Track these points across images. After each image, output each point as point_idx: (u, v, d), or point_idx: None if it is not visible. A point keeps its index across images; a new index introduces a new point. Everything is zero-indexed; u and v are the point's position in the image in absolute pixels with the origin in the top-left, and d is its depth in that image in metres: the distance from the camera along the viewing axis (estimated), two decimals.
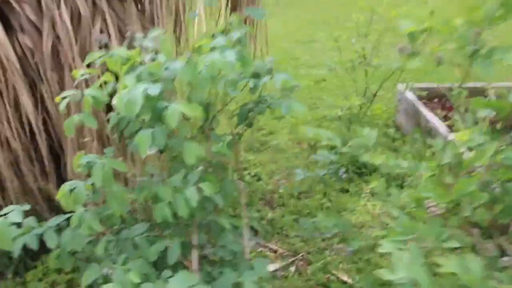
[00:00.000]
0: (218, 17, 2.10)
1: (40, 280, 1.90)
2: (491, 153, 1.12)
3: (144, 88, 0.83)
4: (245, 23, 2.05)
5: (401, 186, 2.50)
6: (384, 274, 0.81)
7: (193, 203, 0.90)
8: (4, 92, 1.52)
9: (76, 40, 1.54)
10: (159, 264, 0.91)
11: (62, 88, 1.56)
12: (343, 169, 2.73)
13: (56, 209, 1.36)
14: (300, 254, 2.09)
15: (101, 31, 1.55)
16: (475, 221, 1.09)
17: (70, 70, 1.51)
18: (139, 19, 1.70)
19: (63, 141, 1.67)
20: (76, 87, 1.20)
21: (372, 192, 2.59)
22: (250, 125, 1.11)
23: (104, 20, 1.57)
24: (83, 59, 1.36)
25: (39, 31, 1.57)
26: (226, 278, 0.84)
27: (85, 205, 0.98)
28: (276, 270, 1.97)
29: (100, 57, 0.98)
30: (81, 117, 1.00)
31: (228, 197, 0.99)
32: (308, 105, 3.74)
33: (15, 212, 0.96)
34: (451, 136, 2.69)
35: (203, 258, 1.02)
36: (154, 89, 0.84)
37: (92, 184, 0.96)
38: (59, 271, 1.90)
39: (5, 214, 0.95)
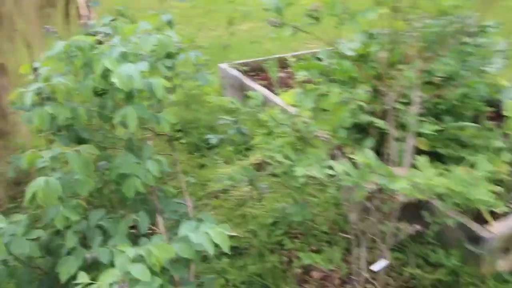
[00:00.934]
0: None
1: None
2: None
3: (134, 65, 0.83)
4: None
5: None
6: None
7: (155, 173, 0.96)
8: None
9: None
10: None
11: None
12: None
13: None
14: None
15: None
16: None
17: None
18: None
19: None
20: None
21: (225, 161, 2.89)
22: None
23: None
24: None
25: None
26: (186, 228, 0.93)
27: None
28: None
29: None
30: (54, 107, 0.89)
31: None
32: None
33: None
34: (276, 100, 3.23)
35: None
36: (144, 66, 0.87)
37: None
38: None
39: None
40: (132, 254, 0.78)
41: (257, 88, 3.20)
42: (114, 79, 0.86)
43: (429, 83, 1.76)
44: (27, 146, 1.66)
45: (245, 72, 3.73)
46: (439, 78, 1.71)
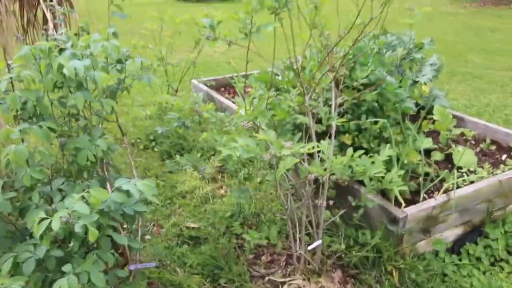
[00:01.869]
0: None
1: None
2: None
3: (80, 62, 1.11)
4: None
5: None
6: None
7: (103, 148, 1.23)
8: None
9: None
10: None
11: None
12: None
13: None
14: (152, 223, 2.47)
15: None
16: None
17: None
18: None
19: None
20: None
21: (193, 165, 3.16)
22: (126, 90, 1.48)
23: None
24: None
25: None
26: (120, 181, 1.19)
27: None
28: None
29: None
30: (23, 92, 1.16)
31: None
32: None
33: None
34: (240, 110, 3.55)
35: None
36: (87, 62, 1.16)
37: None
38: None
39: None
40: (77, 196, 1.05)
41: (223, 100, 3.52)
42: (65, 70, 1.14)
43: (353, 88, 2.09)
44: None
45: (215, 87, 4.06)
46: (359, 84, 2.03)
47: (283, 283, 1.96)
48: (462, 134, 2.96)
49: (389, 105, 2.13)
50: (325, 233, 2.14)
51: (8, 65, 1.28)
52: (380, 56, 2.13)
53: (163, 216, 2.55)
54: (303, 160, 1.83)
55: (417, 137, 2.14)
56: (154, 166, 3.14)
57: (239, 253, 2.17)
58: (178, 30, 3.41)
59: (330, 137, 1.84)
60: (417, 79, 2.94)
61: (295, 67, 1.94)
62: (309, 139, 1.88)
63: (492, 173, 2.42)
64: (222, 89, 4.16)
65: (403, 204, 1.97)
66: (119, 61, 1.38)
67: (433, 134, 2.88)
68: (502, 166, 2.53)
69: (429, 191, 2.25)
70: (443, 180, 2.26)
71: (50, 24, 1.65)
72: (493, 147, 2.80)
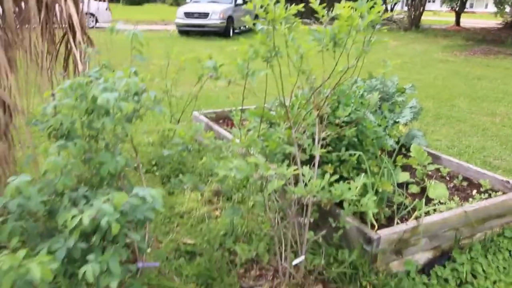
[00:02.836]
0: None
1: None
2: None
3: (111, 94, 1.42)
4: None
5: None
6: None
7: (122, 163, 1.51)
8: None
9: None
10: None
11: None
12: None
13: None
14: (152, 238, 2.70)
15: None
16: None
17: None
18: None
19: None
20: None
21: (191, 189, 3.42)
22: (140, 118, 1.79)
23: None
24: None
25: None
26: (136, 189, 1.46)
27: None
28: None
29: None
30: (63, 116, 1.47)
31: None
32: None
33: None
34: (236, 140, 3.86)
35: None
36: (115, 95, 1.46)
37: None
38: None
39: None
40: (103, 199, 1.31)
41: (221, 131, 3.83)
42: (99, 100, 1.44)
43: (336, 124, 2.41)
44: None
45: (214, 119, 4.39)
46: (342, 121, 2.35)
47: None
48: (438, 170, 3.27)
49: (368, 141, 2.44)
50: (308, 251, 2.38)
51: (53, 94, 1.58)
52: (360, 98, 2.46)
53: (162, 233, 2.78)
54: (289, 183, 2.11)
55: (391, 169, 2.43)
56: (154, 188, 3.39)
57: (230, 267, 2.40)
58: (182, 67, 3.78)
59: (313, 165, 2.13)
60: (397, 120, 3.28)
61: (284, 105, 2.26)
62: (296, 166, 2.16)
63: (461, 205, 2.70)
64: (221, 121, 4.49)
65: (376, 226, 2.23)
66: (136, 94, 1.69)
67: (412, 170, 3.18)
68: (470, 199, 2.82)
69: (404, 219, 2.52)
70: (415, 209, 2.53)
71: (79, 63, 1.98)
72: (465, 183, 3.09)
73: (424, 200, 2.43)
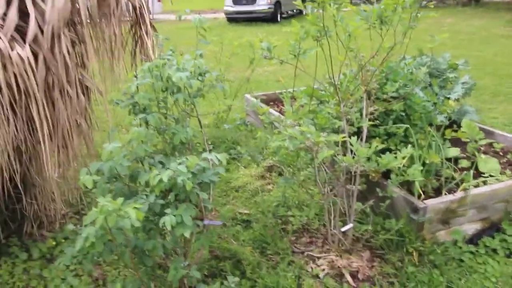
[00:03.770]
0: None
1: None
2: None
3: (183, 73, 1.68)
4: None
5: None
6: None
7: (190, 134, 1.77)
8: None
9: None
10: None
11: None
12: None
13: None
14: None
15: None
16: None
17: None
18: None
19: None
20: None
21: (244, 166, 3.66)
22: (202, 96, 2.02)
23: None
24: None
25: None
26: (204, 154, 1.71)
27: None
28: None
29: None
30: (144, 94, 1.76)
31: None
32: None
33: None
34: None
35: None
36: (187, 74, 1.71)
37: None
38: None
39: None
40: (179, 161, 1.56)
41: (272, 112, 4.02)
42: (174, 79, 1.68)
43: (384, 100, 2.50)
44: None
45: (265, 101, 4.58)
46: (389, 96, 2.44)
47: (319, 258, 2.37)
48: (491, 145, 3.24)
49: (416, 115, 2.52)
50: (356, 220, 2.53)
51: (135, 76, 1.85)
52: (408, 74, 2.53)
53: (219, 205, 3.05)
54: (338, 154, 2.26)
55: (439, 142, 2.49)
56: None
57: (283, 234, 2.61)
58: (235, 52, 4.00)
59: (362, 139, 2.26)
60: (448, 96, 3.28)
61: (333, 82, 2.40)
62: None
63: None
64: (271, 103, 4.67)
65: (422, 196, 2.33)
66: (200, 74, 1.92)
67: (463, 145, 3.18)
68: None
69: (452, 191, 2.58)
70: (464, 182, 2.58)
71: (150, 50, 2.25)
72: None
73: (472, 172, 2.48)
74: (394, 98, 2.47)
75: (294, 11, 16.20)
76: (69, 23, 2.25)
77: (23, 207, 2.56)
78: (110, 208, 1.30)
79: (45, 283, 2.29)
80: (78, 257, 1.63)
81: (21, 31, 2.04)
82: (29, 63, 1.90)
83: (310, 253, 2.43)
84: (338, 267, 2.28)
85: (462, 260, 2.32)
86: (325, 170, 2.36)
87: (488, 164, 2.78)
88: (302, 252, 2.45)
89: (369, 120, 2.26)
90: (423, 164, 2.44)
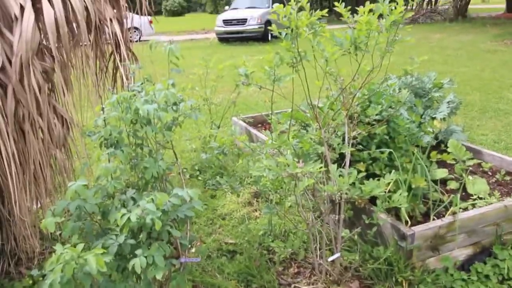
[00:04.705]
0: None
1: None
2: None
3: (151, 106, 1.61)
4: None
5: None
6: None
7: (164, 167, 1.69)
8: None
9: None
10: None
11: None
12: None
13: None
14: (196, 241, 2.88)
15: None
16: None
17: None
18: None
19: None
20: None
21: (231, 191, 3.57)
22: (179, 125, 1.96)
23: None
24: None
25: None
26: (176, 190, 1.63)
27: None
28: None
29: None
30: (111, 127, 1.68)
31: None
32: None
33: None
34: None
35: None
36: (155, 106, 1.64)
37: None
38: None
39: None
40: (148, 199, 1.48)
41: (259, 135, 3.96)
42: (140, 112, 1.62)
43: (367, 123, 2.45)
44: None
45: (253, 124, 4.53)
46: (372, 120, 2.39)
47: None
48: (480, 165, 3.19)
49: (400, 138, 2.46)
50: (344, 249, 2.44)
51: (102, 108, 1.79)
52: (390, 96, 2.49)
53: (205, 234, 2.95)
54: (322, 182, 2.19)
55: (423, 165, 2.44)
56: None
57: (269, 265, 2.51)
58: (220, 75, 3.96)
59: (345, 164, 2.20)
60: (434, 116, 3.25)
61: (312, 106, 2.35)
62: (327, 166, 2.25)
63: (502, 199, 2.64)
64: (260, 125, 4.62)
65: (409, 222, 2.25)
66: (174, 104, 1.86)
67: (451, 166, 3.13)
68: None
69: (441, 215, 2.51)
70: (453, 205, 2.51)
71: (125, 79, 2.20)
72: (508, 178, 3.00)
73: (459, 195, 2.41)
74: (377, 121, 2.42)
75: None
76: (42, 51, 2.21)
77: None
78: (68, 257, 1.21)
79: None
80: None
81: None
82: None
83: (297, 285, 2.33)
84: None
85: None
86: (310, 198, 2.28)
87: (476, 185, 2.72)
88: (289, 285, 2.35)
89: (352, 144, 2.21)
90: (409, 188, 2.37)
